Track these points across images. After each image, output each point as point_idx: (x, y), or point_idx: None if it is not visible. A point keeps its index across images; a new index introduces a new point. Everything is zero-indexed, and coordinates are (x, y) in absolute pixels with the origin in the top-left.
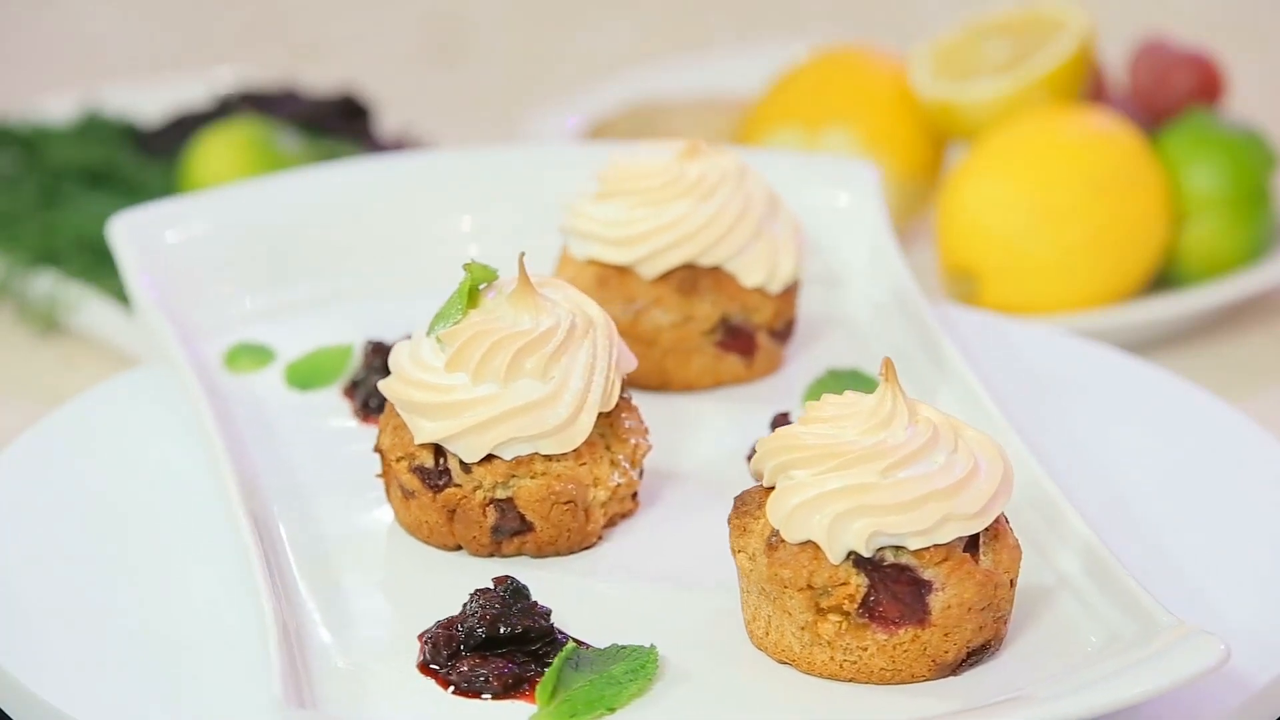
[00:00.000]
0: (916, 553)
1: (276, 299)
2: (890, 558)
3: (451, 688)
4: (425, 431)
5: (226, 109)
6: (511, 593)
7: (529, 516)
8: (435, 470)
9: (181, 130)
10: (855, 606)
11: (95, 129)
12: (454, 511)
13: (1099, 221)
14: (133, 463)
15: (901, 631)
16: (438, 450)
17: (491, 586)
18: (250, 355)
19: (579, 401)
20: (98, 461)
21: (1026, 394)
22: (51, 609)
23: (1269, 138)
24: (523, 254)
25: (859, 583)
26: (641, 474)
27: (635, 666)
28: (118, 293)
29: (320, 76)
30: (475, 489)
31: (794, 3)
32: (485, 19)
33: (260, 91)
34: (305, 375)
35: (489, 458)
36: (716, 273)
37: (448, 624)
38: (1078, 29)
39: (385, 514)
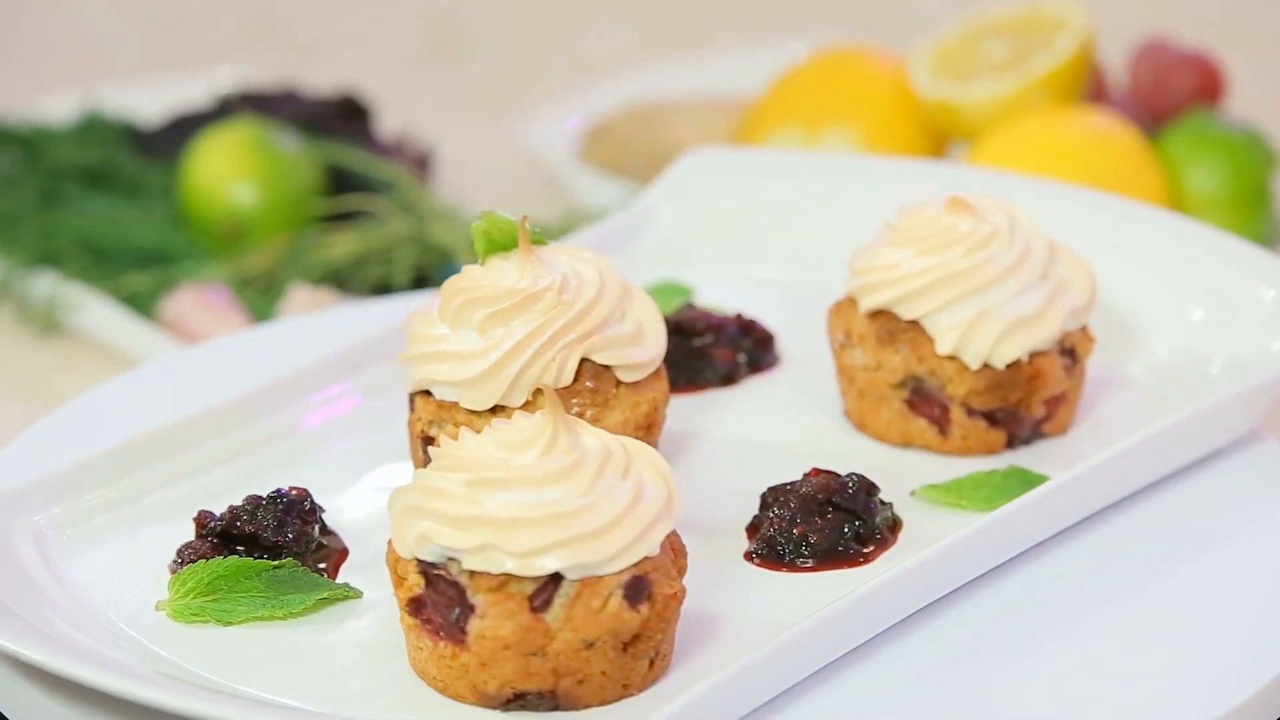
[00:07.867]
0: (473, 574)
1: (743, 260)
2: (452, 571)
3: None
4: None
5: (226, 109)
6: (278, 501)
7: None
8: (414, 396)
9: (181, 130)
10: (406, 604)
11: (95, 129)
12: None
13: None
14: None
15: (442, 645)
16: None
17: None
18: (666, 292)
19: (501, 363)
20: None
21: None
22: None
23: (1269, 138)
24: (524, 216)
25: (415, 582)
26: None
27: (302, 599)
28: (118, 293)
29: (320, 76)
30: (417, 420)
31: (794, 3)
32: (485, 19)
33: (260, 91)
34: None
35: (428, 394)
36: (915, 328)
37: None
38: (1078, 29)
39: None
